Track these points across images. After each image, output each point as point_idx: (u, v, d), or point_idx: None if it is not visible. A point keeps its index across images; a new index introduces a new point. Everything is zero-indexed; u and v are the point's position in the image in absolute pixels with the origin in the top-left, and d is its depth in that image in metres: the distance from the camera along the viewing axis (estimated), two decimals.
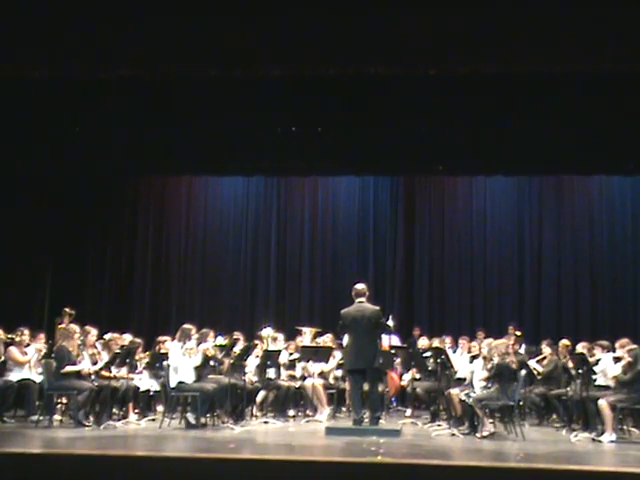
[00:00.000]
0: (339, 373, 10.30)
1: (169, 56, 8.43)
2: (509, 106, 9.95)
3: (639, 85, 9.09)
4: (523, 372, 8.74)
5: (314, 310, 13.44)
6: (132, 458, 6.16)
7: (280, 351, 9.90)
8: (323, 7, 8.04)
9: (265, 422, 9.17)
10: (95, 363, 8.81)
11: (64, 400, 9.27)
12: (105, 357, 9.01)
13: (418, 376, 10.27)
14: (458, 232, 13.64)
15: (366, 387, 8.42)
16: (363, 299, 8.39)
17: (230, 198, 14.08)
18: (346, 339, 8.93)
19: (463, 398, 8.36)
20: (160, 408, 9.42)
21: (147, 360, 9.65)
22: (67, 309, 10.70)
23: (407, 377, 10.55)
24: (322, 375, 10.05)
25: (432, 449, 7.23)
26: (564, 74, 8.76)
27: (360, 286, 8.49)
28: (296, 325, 11.18)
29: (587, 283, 13.15)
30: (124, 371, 9.03)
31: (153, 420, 9.07)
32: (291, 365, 10.22)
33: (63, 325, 9.95)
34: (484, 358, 8.56)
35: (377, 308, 8.39)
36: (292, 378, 10.12)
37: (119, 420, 8.78)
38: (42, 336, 9.99)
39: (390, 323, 8.59)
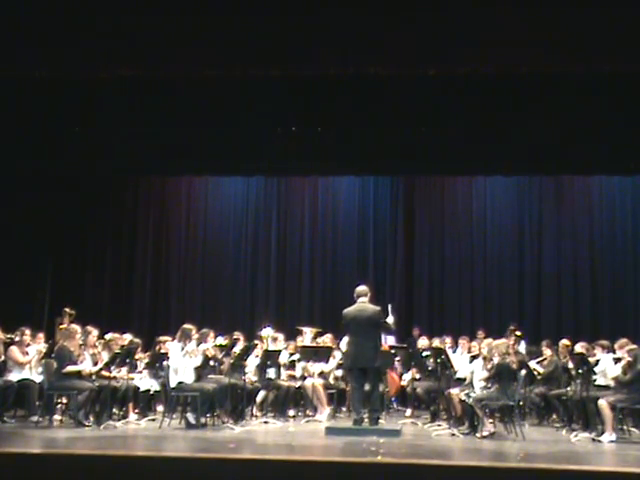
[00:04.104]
0: (339, 373, 10.31)
1: (169, 56, 8.42)
2: (509, 106, 9.94)
3: (639, 85, 9.09)
4: (523, 372, 8.74)
5: (314, 310, 13.44)
6: (132, 458, 6.17)
7: (280, 351, 9.90)
8: (323, 7, 8.04)
9: (265, 422, 9.17)
10: (96, 363, 8.81)
11: (64, 400, 9.27)
12: (105, 357, 9.01)
13: (418, 376, 10.27)
14: (458, 232, 13.64)
15: (366, 387, 8.42)
16: (365, 299, 8.43)
17: (230, 198, 14.08)
18: (345, 339, 8.93)
19: (463, 398, 8.37)
20: (160, 408, 9.42)
21: (147, 360, 9.66)
22: (67, 309, 10.72)
23: (407, 377, 10.55)
24: (322, 375, 10.05)
25: (432, 449, 7.24)
26: (564, 74, 8.76)
27: (362, 287, 8.58)
28: (296, 325, 11.18)
29: (587, 283, 13.15)
30: (124, 371, 9.03)
31: (153, 420, 9.07)
32: (291, 365, 10.22)
33: (64, 325, 9.96)
34: (484, 358, 8.57)
35: (378, 308, 8.43)
36: (292, 378, 10.12)
37: (119, 420, 8.79)
38: (41, 336, 10.01)
39: (390, 319, 8.55)
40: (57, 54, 8.38)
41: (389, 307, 8.63)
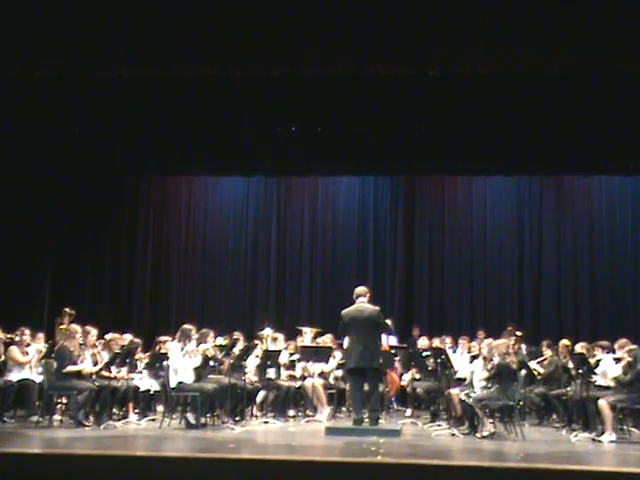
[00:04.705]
0: (339, 373, 10.30)
1: (169, 56, 8.43)
2: (509, 106, 9.94)
3: (639, 85, 9.09)
4: (523, 372, 8.74)
5: (314, 310, 13.43)
6: (132, 458, 6.16)
7: (280, 351, 9.89)
8: (323, 7, 8.04)
9: (265, 422, 9.16)
10: (96, 363, 8.81)
11: (64, 400, 9.26)
12: (105, 357, 9.00)
13: (418, 376, 10.27)
14: (458, 232, 13.64)
15: (366, 387, 8.42)
16: (364, 299, 8.42)
17: (230, 198, 14.08)
18: (347, 339, 8.93)
19: (463, 398, 8.36)
20: (160, 408, 9.41)
21: (147, 360, 9.65)
22: (67, 309, 10.71)
23: (407, 377, 10.55)
24: (322, 375, 10.05)
25: (432, 449, 7.23)
26: (564, 74, 8.76)
27: (361, 288, 8.58)
28: (296, 325, 11.18)
29: (587, 283, 13.15)
30: (124, 371, 9.03)
31: (153, 420, 9.06)
32: (291, 365, 10.22)
33: (64, 325, 9.95)
34: (484, 358, 8.56)
35: (377, 308, 8.41)
36: (292, 378, 10.11)
37: (119, 420, 8.78)
38: (41, 336, 10.01)
39: (389, 321, 8.59)
40: (57, 54, 8.39)
41: (389, 323, 8.64)
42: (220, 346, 9.53)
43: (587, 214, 13.37)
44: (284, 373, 10.08)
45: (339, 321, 8.49)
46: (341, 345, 10.22)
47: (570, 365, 8.98)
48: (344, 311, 8.44)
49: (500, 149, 11.09)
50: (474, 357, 9.17)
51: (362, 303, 8.41)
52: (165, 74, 8.77)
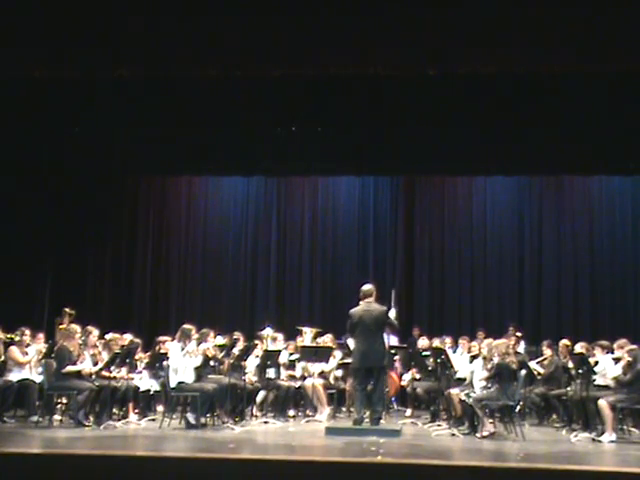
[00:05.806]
0: (339, 373, 10.31)
1: (169, 56, 8.43)
2: (509, 106, 9.94)
3: (639, 85, 9.09)
4: (523, 372, 8.74)
5: (314, 310, 13.44)
6: (132, 458, 6.17)
7: (280, 351, 9.90)
8: (323, 7, 8.04)
9: (265, 422, 9.17)
10: (96, 363, 8.81)
11: (64, 400, 9.27)
12: (105, 357, 9.00)
13: (418, 376, 10.27)
14: (458, 232, 13.64)
15: (369, 387, 8.40)
16: (371, 299, 8.42)
17: (230, 198, 14.08)
18: (352, 340, 8.90)
19: (463, 398, 8.37)
20: (160, 408, 9.42)
21: (147, 360, 9.66)
22: (67, 309, 10.72)
23: (407, 377, 10.55)
24: (322, 375, 10.05)
25: (432, 449, 7.23)
26: (564, 74, 8.76)
27: (367, 287, 8.54)
28: (296, 325, 11.18)
29: (587, 283, 13.15)
30: (124, 371, 9.04)
31: (153, 420, 9.07)
32: (291, 365, 10.22)
33: (64, 325, 9.96)
34: (484, 358, 8.57)
35: (384, 308, 8.42)
36: (292, 378, 10.11)
37: (119, 420, 8.78)
38: (41, 336, 10.01)
39: (392, 313, 8.53)
40: (57, 54, 8.38)
41: (392, 293, 8.62)
42: (220, 346, 9.53)
43: (587, 214, 13.37)
44: (284, 373, 10.09)
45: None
46: (341, 345, 10.23)
47: (570, 365, 8.99)
48: (352, 310, 8.44)
49: (500, 149, 11.09)
50: (474, 357, 9.17)
51: (370, 303, 8.40)
52: (165, 74, 8.77)
